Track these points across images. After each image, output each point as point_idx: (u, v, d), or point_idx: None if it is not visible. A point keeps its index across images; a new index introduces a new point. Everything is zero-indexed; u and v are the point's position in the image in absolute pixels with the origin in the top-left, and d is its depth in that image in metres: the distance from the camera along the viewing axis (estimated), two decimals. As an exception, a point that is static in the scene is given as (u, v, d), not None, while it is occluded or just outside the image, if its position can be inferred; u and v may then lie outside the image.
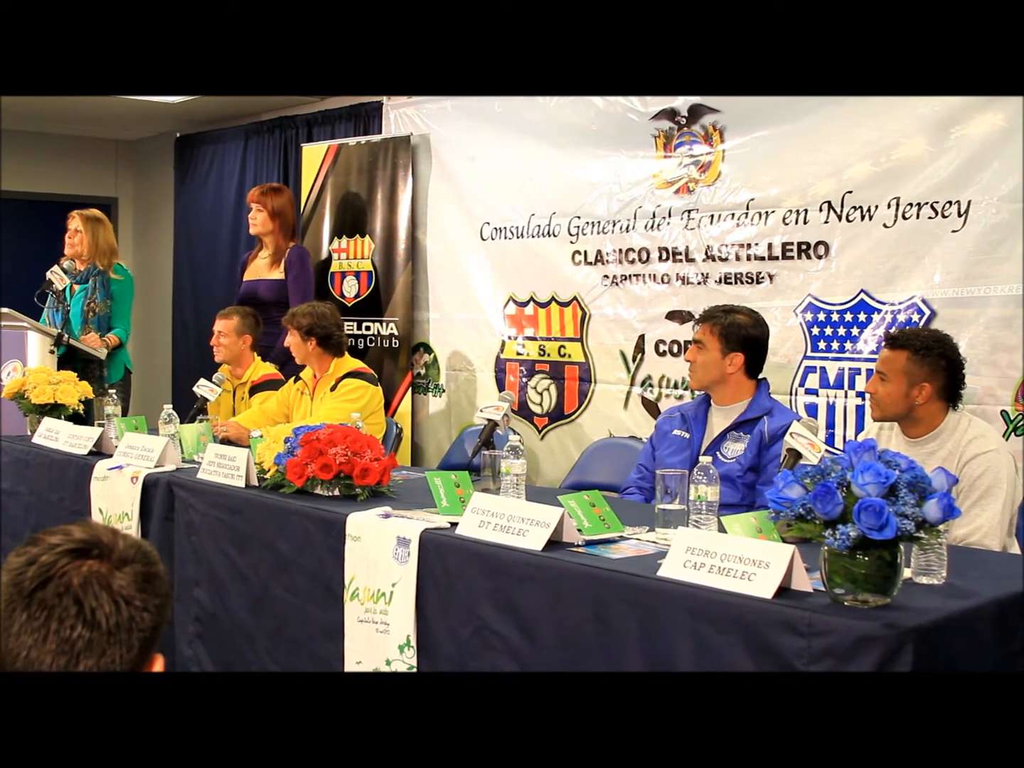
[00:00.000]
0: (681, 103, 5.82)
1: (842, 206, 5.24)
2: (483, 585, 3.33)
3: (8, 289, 7.53)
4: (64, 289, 6.90)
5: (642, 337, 6.07)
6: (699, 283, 5.79)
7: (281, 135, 8.77)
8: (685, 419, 4.62)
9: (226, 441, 5.38)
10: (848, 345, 5.21)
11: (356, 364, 6.01)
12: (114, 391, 6.03)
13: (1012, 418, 4.77)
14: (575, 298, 6.38)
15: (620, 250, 6.15)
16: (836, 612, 2.56)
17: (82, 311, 6.94)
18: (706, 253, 5.75)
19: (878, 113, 5.13)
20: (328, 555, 3.84)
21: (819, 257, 5.33)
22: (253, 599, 4.21)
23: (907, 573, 2.80)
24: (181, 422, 5.31)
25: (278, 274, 6.95)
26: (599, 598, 3.00)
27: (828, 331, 5.28)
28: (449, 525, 3.57)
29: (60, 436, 5.55)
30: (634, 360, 6.11)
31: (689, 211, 5.82)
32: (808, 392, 5.32)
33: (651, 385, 6.03)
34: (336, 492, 4.10)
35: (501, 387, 6.73)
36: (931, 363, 3.99)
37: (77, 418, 5.90)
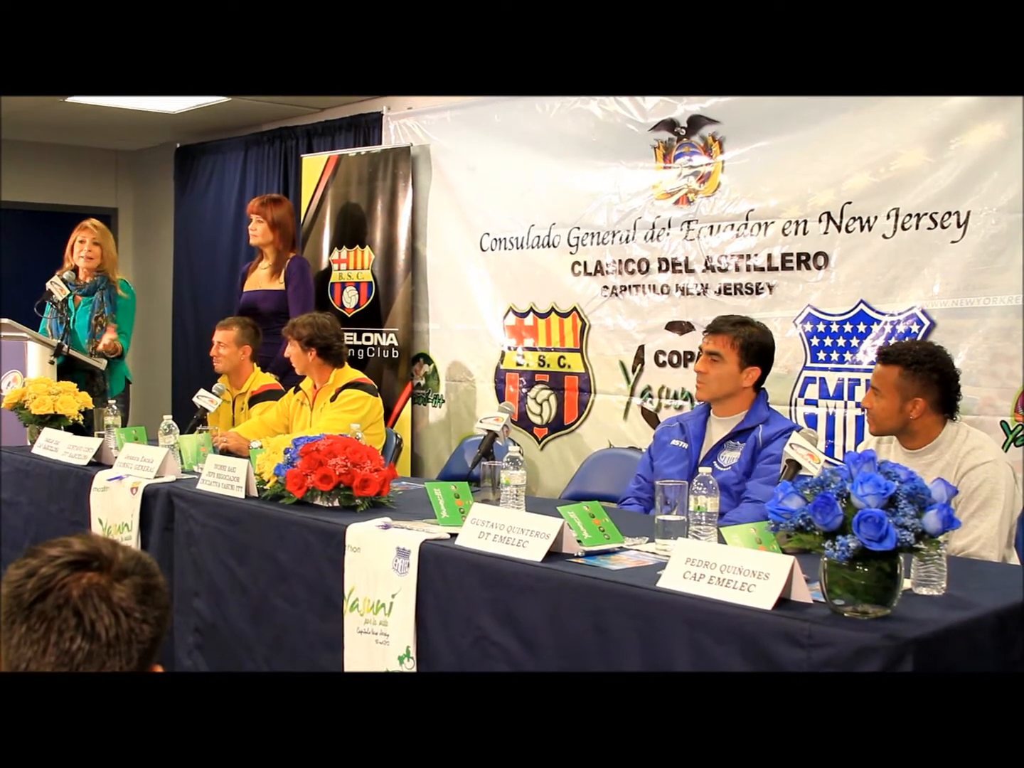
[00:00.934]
0: (681, 113, 5.83)
1: (841, 217, 5.25)
2: (483, 596, 3.33)
3: (7, 299, 7.52)
4: (65, 299, 6.89)
5: (642, 348, 6.07)
6: (699, 294, 5.79)
7: (281, 145, 8.78)
8: (684, 429, 4.62)
9: (226, 452, 5.38)
10: (848, 355, 5.22)
11: (356, 375, 6.01)
12: (114, 402, 6.04)
13: (1012, 429, 4.78)
14: (575, 309, 6.39)
15: (620, 261, 6.15)
16: (836, 623, 2.55)
17: (90, 324, 6.93)
18: (706, 264, 5.76)
19: (877, 123, 5.14)
20: (328, 566, 3.84)
21: (819, 268, 5.34)
22: (253, 610, 4.21)
23: (907, 584, 2.80)
24: (181, 433, 5.31)
25: (278, 285, 6.96)
26: (598, 609, 3.00)
27: (828, 341, 5.28)
28: (449, 536, 3.56)
29: (60, 446, 5.55)
30: (634, 371, 6.11)
31: (689, 222, 5.83)
32: (808, 403, 5.32)
33: (651, 396, 6.03)
34: (336, 503, 4.09)
35: (501, 398, 6.73)
36: (923, 377, 3.99)
37: (77, 429, 5.90)
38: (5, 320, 6.53)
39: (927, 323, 4.98)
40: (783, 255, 5.46)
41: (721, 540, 3.11)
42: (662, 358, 5.99)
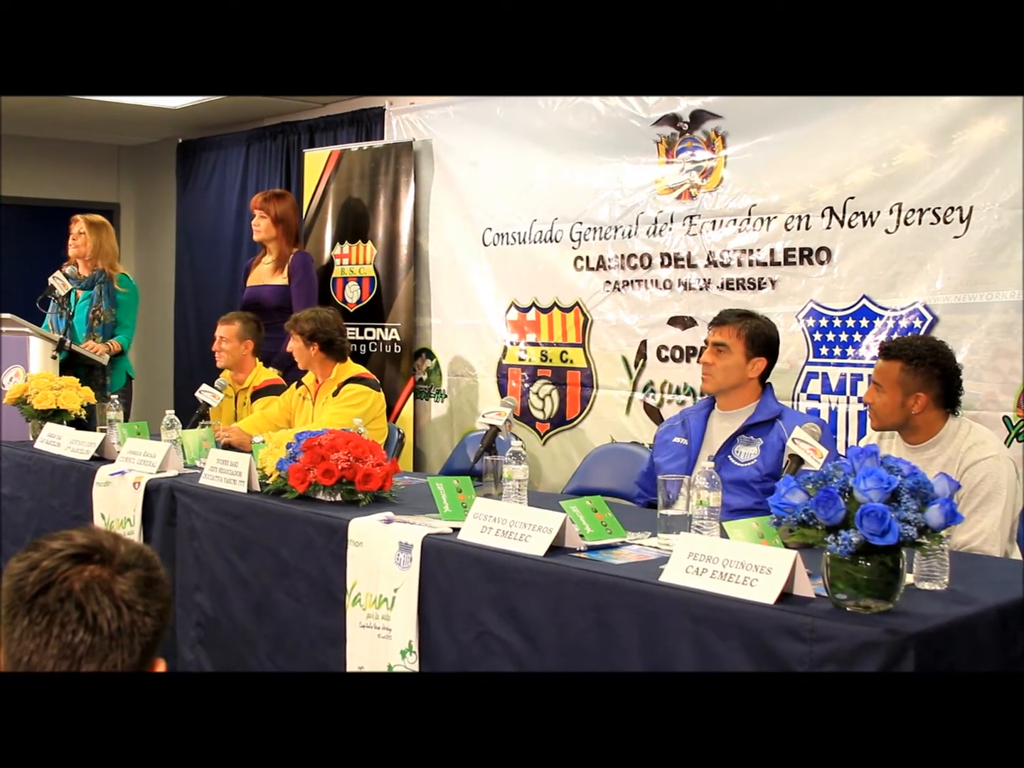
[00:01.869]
0: (683, 108, 5.82)
1: (844, 212, 5.24)
2: (485, 590, 3.33)
3: (9, 294, 7.53)
4: (67, 294, 6.90)
5: (644, 343, 6.07)
6: (701, 289, 5.79)
7: (283, 141, 8.78)
8: (685, 425, 4.61)
9: (228, 447, 5.38)
10: (850, 351, 5.21)
11: (358, 369, 6.01)
12: (116, 397, 6.04)
13: (1014, 424, 4.77)
14: (577, 304, 6.39)
15: (622, 256, 6.15)
16: (838, 618, 2.55)
17: (87, 318, 6.94)
18: (708, 259, 5.75)
19: (880, 119, 5.13)
20: (330, 560, 3.84)
21: (821, 263, 5.33)
22: (255, 604, 4.21)
23: (909, 579, 2.79)
24: (183, 427, 5.31)
25: (281, 280, 6.96)
26: (601, 603, 3.00)
27: (830, 337, 5.28)
28: (451, 530, 3.56)
29: (62, 441, 5.55)
30: (636, 366, 6.11)
31: (691, 217, 5.82)
32: (810, 398, 5.32)
33: (653, 391, 6.02)
34: (338, 497, 4.09)
35: (503, 392, 6.73)
36: (924, 372, 3.98)
37: (79, 423, 5.89)
38: (7, 315, 6.54)
39: (930, 318, 4.98)
40: (786, 250, 5.46)
41: (724, 534, 3.12)
42: (664, 353, 5.98)
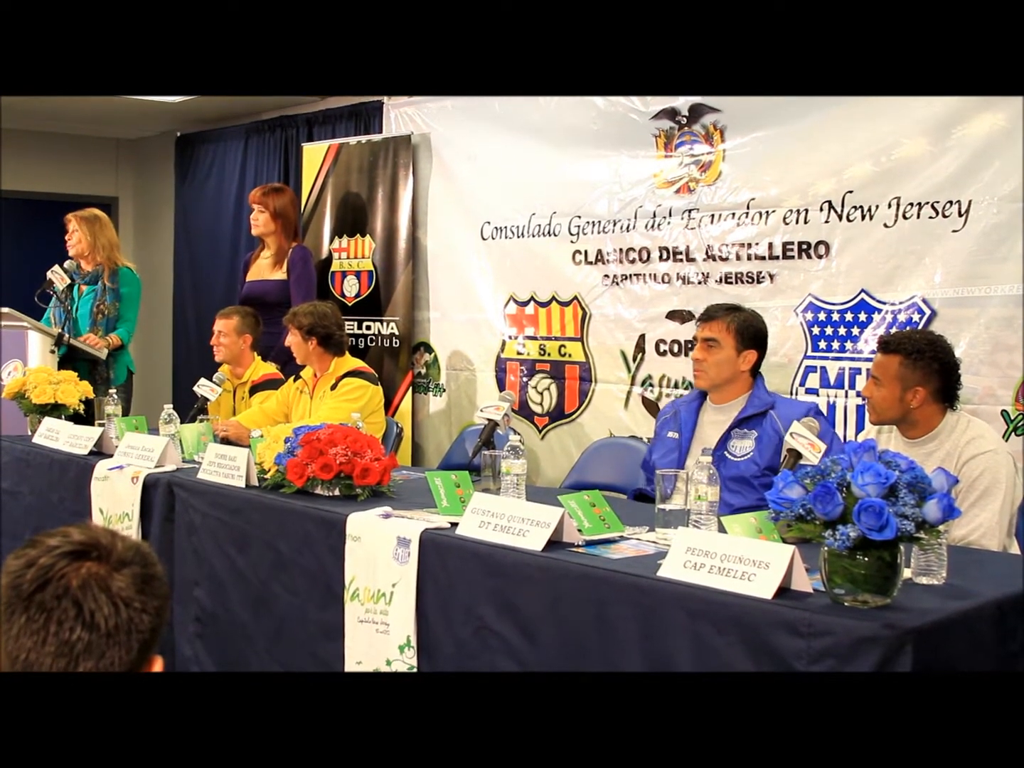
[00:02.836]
0: (682, 103, 5.82)
1: (843, 206, 5.24)
2: (483, 585, 3.33)
3: (9, 288, 7.51)
4: (68, 288, 6.89)
5: (642, 337, 6.07)
6: (700, 283, 5.78)
7: (282, 134, 8.77)
8: (677, 418, 4.61)
9: (226, 441, 5.38)
10: (849, 345, 5.21)
11: (356, 363, 6.01)
12: (115, 392, 6.03)
13: (1012, 418, 4.78)
14: (575, 298, 6.38)
15: (620, 250, 6.14)
16: (836, 612, 2.55)
17: (91, 312, 6.93)
18: (707, 253, 5.75)
19: (878, 113, 5.13)
20: (328, 555, 3.84)
21: (819, 257, 5.33)
22: (253, 599, 4.21)
23: (907, 573, 2.80)
24: (182, 422, 5.31)
25: (280, 274, 6.96)
26: (599, 598, 3.00)
27: (829, 331, 5.28)
28: (449, 525, 3.56)
29: (60, 436, 5.54)
30: (635, 360, 6.11)
31: (690, 211, 5.82)
32: (809, 392, 5.31)
33: (652, 385, 6.02)
34: (336, 492, 4.09)
35: (502, 387, 6.73)
36: (924, 367, 3.98)
37: (78, 418, 5.89)
38: (5, 309, 6.52)
39: (928, 312, 4.98)
40: (784, 244, 5.45)
41: (722, 529, 3.12)
42: (663, 347, 5.98)
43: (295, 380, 6.07)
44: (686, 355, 5.81)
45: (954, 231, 4.93)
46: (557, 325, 6.48)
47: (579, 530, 3.35)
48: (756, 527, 2.99)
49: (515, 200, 6.67)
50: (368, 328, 7.37)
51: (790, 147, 5.44)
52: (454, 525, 3.54)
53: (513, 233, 6.68)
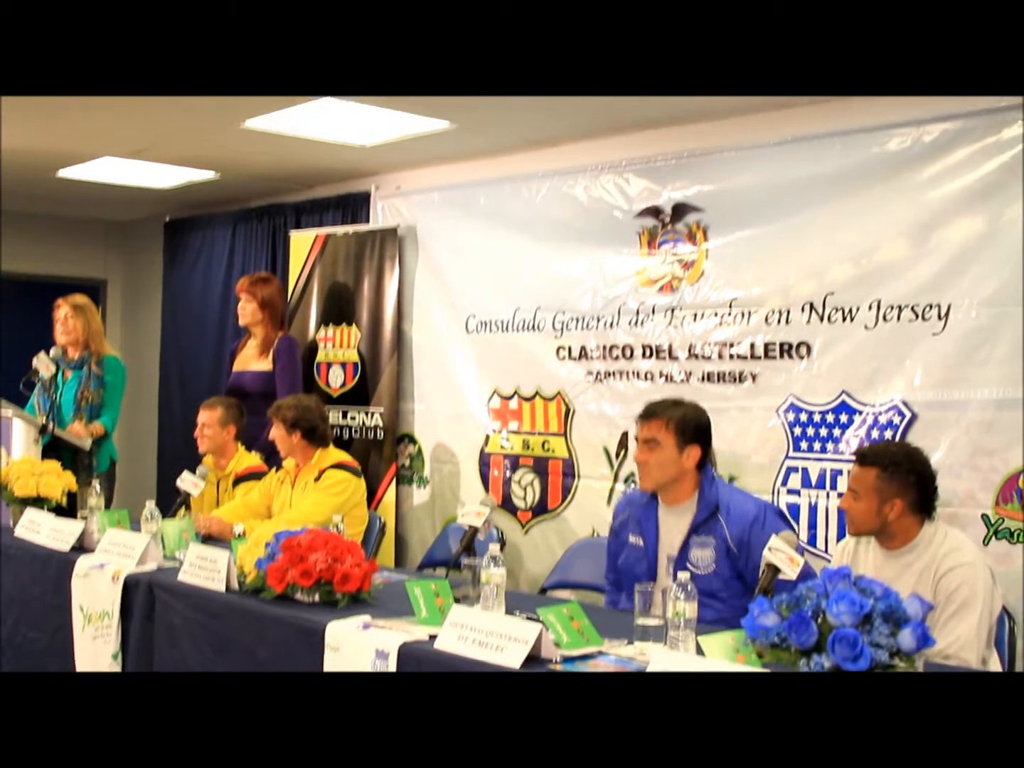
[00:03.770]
0: (665, 201, 5.90)
1: (824, 307, 5.28)
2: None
3: (-2, 370, 7.47)
4: (54, 376, 6.88)
5: (625, 434, 6.08)
6: (682, 381, 5.81)
7: (269, 222, 8.80)
8: (637, 523, 4.54)
9: (208, 537, 5.37)
10: (830, 446, 5.23)
11: (341, 456, 6.01)
12: (97, 483, 6.01)
13: (992, 522, 4.79)
14: (559, 393, 6.41)
15: (604, 346, 6.18)
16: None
17: (75, 398, 6.91)
18: (689, 351, 5.79)
19: (859, 215, 5.20)
20: (308, 663, 3.80)
21: (801, 357, 5.37)
22: (232, 704, 4.19)
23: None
24: (164, 515, 5.29)
25: (266, 365, 6.97)
26: (576, 719, 2.99)
27: (810, 431, 5.30)
28: (428, 637, 3.55)
29: (42, 529, 5.51)
30: (617, 456, 6.12)
31: (673, 309, 5.86)
32: (790, 492, 5.32)
33: (634, 482, 6.00)
34: (316, 598, 4.07)
35: (485, 480, 6.73)
36: (900, 479, 3.99)
37: (60, 508, 5.87)
38: (-8, 399, 6.53)
39: (908, 415, 5.01)
40: (766, 344, 5.49)
41: (699, 648, 3.10)
42: (645, 445, 5.98)
43: (276, 471, 6.07)
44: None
45: (934, 334, 4.98)
46: (541, 420, 6.50)
47: (556, 644, 3.34)
48: (733, 647, 2.98)
49: (500, 294, 6.73)
50: (352, 419, 7.39)
51: (772, 247, 5.50)
52: (433, 637, 3.52)
53: (497, 327, 6.72)
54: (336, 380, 7.51)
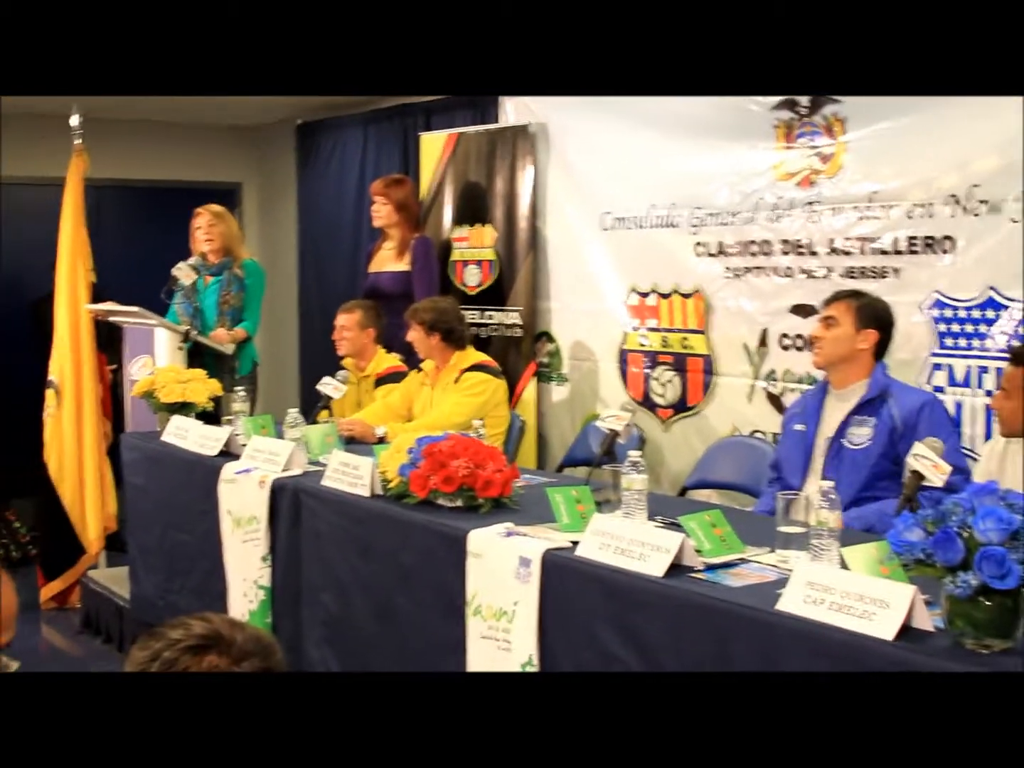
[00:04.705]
0: (802, 92, 5.75)
1: (968, 200, 5.14)
2: (604, 609, 3.34)
3: (137, 277, 7.55)
4: (194, 283, 6.98)
5: (765, 330, 6.00)
6: (823, 277, 5.69)
7: (400, 123, 8.74)
8: (804, 411, 4.62)
9: (351, 439, 5.45)
10: (976, 343, 5.11)
11: (479, 357, 6.06)
12: (242, 386, 6.12)
13: None
14: (697, 290, 6.33)
15: (742, 242, 6.08)
16: (957, 657, 2.53)
17: (217, 303, 7.01)
18: (829, 246, 5.67)
19: (1004, 103, 5.00)
20: (450, 569, 3.87)
21: (945, 252, 5.23)
22: (377, 608, 4.28)
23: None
24: (306, 419, 5.38)
25: (404, 265, 7.01)
26: (719, 630, 3.00)
27: (956, 328, 5.18)
28: (570, 544, 3.57)
29: (189, 435, 5.65)
30: (758, 353, 6.06)
31: (811, 203, 5.74)
32: (935, 390, 5.21)
33: (775, 379, 5.95)
34: (459, 503, 4.12)
35: (624, 378, 6.71)
36: None
37: (206, 415, 5.99)
38: (136, 308, 6.65)
39: (1058, 309, 4.88)
40: (909, 238, 5.35)
41: (843, 559, 3.07)
42: (786, 341, 5.91)
43: (417, 372, 6.13)
44: (810, 350, 5.74)
45: (1084, 224, 4.82)
46: (679, 317, 6.44)
47: (698, 551, 3.35)
48: (877, 559, 2.95)
49: (634, 190, 6.62)
50: (491, 317, 7.39)
51: (913, 140, 5.32)
52: (575, 544, 3.54)
53: (633, 224, 6.64)
54: (472, 279, 7.51)
